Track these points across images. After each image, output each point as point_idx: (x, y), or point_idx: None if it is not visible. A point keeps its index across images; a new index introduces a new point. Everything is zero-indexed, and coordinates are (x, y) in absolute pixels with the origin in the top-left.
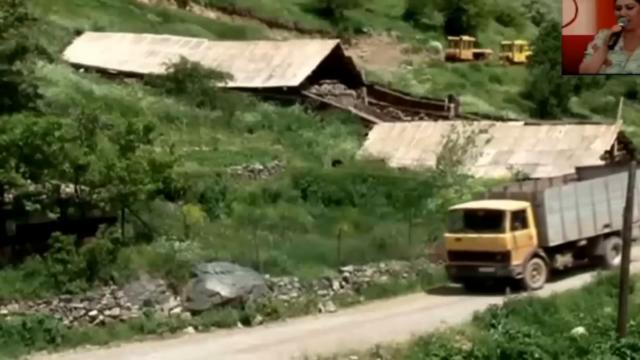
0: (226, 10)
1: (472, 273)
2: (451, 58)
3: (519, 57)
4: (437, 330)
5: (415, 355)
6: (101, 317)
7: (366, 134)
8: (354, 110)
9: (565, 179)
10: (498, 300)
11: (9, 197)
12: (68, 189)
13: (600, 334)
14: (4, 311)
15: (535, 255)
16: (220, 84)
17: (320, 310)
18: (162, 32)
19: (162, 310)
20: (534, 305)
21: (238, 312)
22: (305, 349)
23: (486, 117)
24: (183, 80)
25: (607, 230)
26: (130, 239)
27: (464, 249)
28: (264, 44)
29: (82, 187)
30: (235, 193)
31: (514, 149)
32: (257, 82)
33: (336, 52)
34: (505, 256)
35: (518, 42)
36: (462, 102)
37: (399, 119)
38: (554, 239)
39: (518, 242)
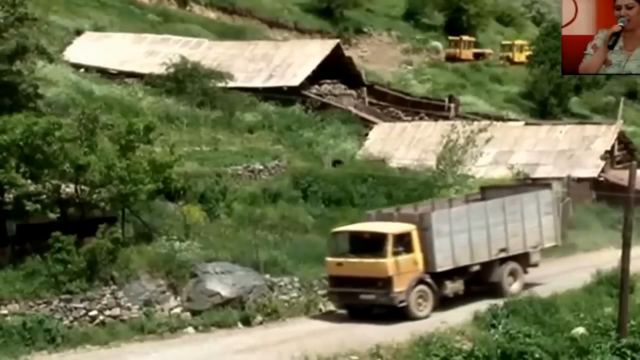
0: (226, 10)
1: (353, 300)
2: (451, 58)
3: (519, 57)
4: (438, 330)
5: (416, 355)
6: (101, 317)
7: (366, 134)
8: (354, 110)
9: (467, 200)
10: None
11: (9, 197)
12: (68, 189)
13: (601, 334)
14: (4, 311)
15: (421, 281)
16: (221, 84)
17: (320, 310)
18: (162, 32)
19: (162, 310)
20: (535, 305)
21: (238, 312)
22: (305, 349)
23: (486, 117)
24: (183, 80)
25: (503, 255)
26: (130, 239)
27: (345, 274)
28: (264, 44)
29: (82, 187)
30: (235, 193)
31: (514, 149)
32: (257, 82)
33: (336, 52)
34: (386, 282)
35: (518, 42)
36: (462, 102)
37: (399, 119)
38: (442, 264)
39: (401, 268)
